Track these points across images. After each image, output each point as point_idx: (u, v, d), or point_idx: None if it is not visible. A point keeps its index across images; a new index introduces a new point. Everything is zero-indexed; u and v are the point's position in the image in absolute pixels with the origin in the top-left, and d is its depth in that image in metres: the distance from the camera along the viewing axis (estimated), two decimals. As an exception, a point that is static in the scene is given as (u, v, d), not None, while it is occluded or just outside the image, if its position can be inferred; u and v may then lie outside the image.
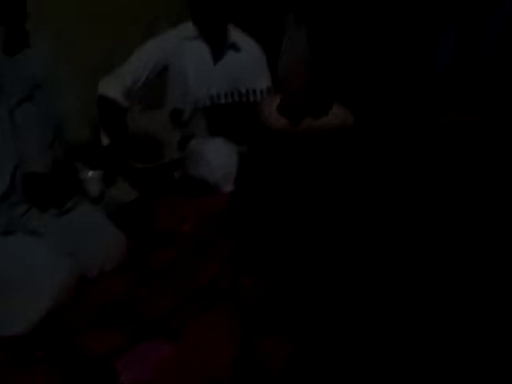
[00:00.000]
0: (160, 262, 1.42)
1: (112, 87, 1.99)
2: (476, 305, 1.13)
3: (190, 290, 1.29)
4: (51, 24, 1.82)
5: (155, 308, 1.24)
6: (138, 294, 1.31)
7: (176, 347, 1.11)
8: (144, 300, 1.28)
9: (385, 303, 1.17)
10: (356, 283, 1.24)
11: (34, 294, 1.20)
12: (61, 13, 2.08)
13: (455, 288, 1.18)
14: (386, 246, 1.30)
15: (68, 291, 1.26)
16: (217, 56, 2.15)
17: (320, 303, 1.21)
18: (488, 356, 1.03)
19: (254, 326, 1.16)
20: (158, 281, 1.34)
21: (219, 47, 2.15)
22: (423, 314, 1.14)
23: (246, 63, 2.17)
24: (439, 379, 1.01)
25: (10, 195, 1.37)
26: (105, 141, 1.91)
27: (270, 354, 1.08)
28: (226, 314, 1.20)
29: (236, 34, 2.20)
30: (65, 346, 1.14)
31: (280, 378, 1.02)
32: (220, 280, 1.32)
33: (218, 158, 1.71)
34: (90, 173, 1.65)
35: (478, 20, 1.61)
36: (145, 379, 1.04)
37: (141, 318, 1.21)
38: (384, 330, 1.11)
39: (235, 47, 2.17)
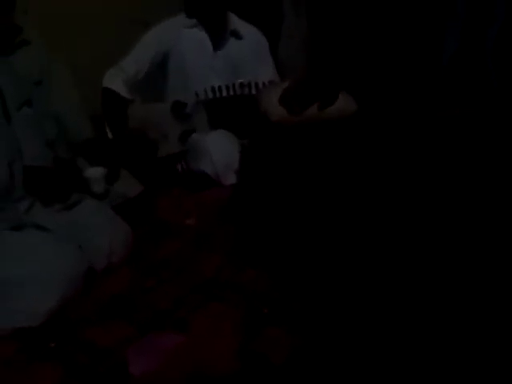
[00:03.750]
0: (165, 254, 1.44)
1: (115, 79, 2.00)
2: (476, 304, 1.12)
3: (195, 281, 1.32)
4: (45, 23, 1.83)
5: (162, 299, 1.27)
6: (145, 285, 1.33)
7: (183, 337, 1.14)
8: (151, 291, 1.31)
9: (387, 294, 1.18)
10: (358, 275, 1.24)
11: (44, 286, 1.22)
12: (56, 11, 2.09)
13: (453, 285, 1.18)
14: (388, 238, 1.29)
15: (77, 283, 1.28)
16: (217, 44, 2.13)
17: (322, 294, 1.22)
18: (488, 356, 1.02)
19: (258, 316, 1.18)
20: (164, 272, 1.37)
21: (219, 35, 2.13)
22: (425, 305, 1.13)
23: (249, 51, 2.14)
24: (438, 376, 1.01)
25: (11, 191, 1.37)
26: (110, 134, 1.93)
27: (275, 344, 1.10)
28: (230, 305, 1.22)
29: (237, 22, 2.16)
30: (75, 337, 1.17)
31: (284, 368, 1.04)
32: (223, 271, 1.35)
33: (219, 150, 1.71)
34: (94, 171, 1.62)
35: (484, 5, 1.59)
36: (154, 369, 1.07)
37: (148, 309, 1.24)
38: (387, 322, 1.12)
39: (237, 35, 2.15)
